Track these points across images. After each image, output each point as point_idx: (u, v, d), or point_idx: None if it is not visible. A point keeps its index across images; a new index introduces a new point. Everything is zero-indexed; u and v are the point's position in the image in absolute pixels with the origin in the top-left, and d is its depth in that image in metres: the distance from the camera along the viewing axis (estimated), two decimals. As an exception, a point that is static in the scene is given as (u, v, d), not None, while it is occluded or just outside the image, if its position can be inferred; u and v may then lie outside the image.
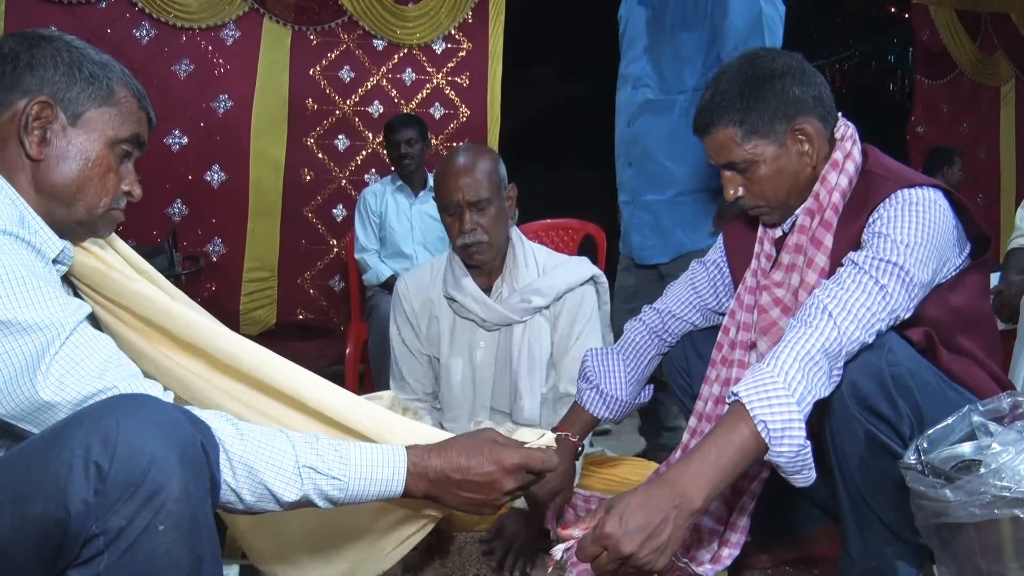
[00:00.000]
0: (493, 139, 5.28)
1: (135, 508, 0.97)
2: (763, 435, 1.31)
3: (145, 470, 0.98)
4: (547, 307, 2.30)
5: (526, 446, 1.32)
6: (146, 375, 1.19)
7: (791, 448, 1.32)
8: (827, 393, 1.42)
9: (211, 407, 1.24)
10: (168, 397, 1.17)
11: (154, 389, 1.15)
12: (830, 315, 1.43)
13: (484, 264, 2.29)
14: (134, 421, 1.00)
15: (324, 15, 5.08)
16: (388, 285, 3.82)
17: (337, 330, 5.00)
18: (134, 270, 1.38)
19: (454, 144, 5.23)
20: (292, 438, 1.19)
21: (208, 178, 4.93)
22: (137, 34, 4.74)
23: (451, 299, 2.33)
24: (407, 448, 1.25)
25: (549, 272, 2.33)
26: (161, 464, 0.99)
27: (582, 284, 2.33)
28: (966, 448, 1.38)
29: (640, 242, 2.86)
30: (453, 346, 2.36)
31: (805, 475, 1.37)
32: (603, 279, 2.41)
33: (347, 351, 3.98)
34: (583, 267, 2.37)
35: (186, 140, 4.86)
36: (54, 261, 1.23)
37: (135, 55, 4.61)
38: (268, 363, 1.34)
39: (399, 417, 1.38)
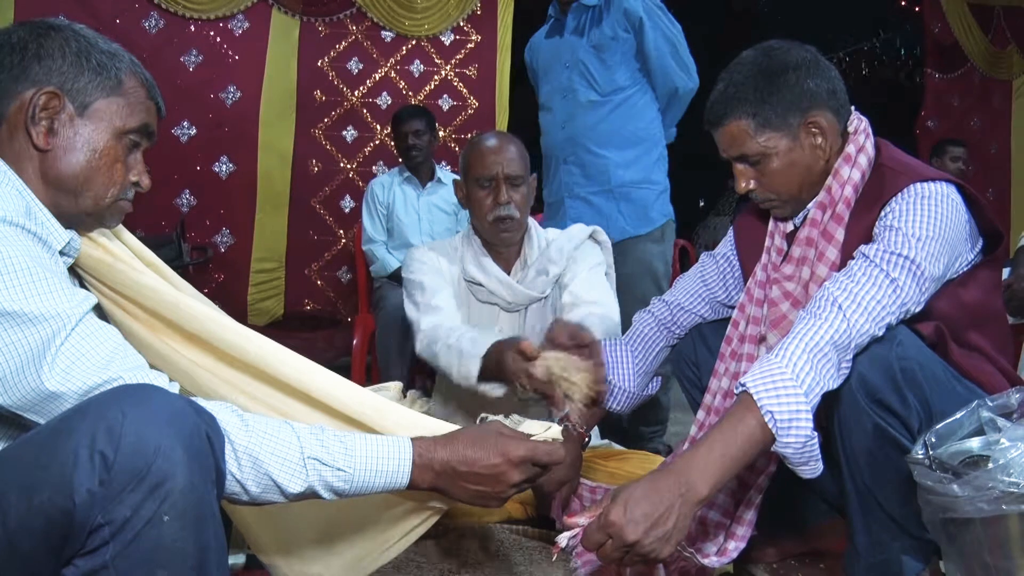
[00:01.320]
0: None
1: (140, 498, 0.98)
2: (770, 426, 1.31)
3: (150, 460, 0.98)
4: (561, 272, 2.33)
5: (532, 438, 1.32)
6: (152, 366, 1.19)
7: (798, 439, 1.31)
8: (835, 385, 1.42)
9: (217, 399, 1.24)
10: (174, 388, 1.17)
11: (160, 380, 1.15)
12: (840, 307, 1.43)
13: (510, 242, 2.33)
14: (140, 411, 1.00)
15: (332, 6, 5.08)
16: (396, 276, 3.82)
17: (344, 321, 5.01)
18: (141, 261, 1.38)
19: (463, 136, 5.23)
20: (297, 429, 1.19)
21: (216, 169, 4.94)
22: (146, 24, 4.74)
23: (473, 282, 2.35)
24: (413, 440, 1.25)
25: (552, 241, 2.38)
26: (166, 454, 0.99)
27: (585, 241, 2.39)
28: (974, 443, 1.38)
29: None
30: None
31: (812, 466, 1.36)
32: (603, 235, 2.46)
33: (354, 342, 3.98)
34: (582, 228, 2.43)
35: (194, 131, 4.87)
36: (60, 252, 1.23)
37: (144, 45, 4.61)
38: (274, 355, 1.34)
39: (405, 409, 1.38)
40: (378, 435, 1.26)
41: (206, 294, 1.47)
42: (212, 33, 4.88)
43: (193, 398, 1.14)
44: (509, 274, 2.36)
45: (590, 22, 3.02)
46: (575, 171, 3.02)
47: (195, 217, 4.88)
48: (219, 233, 4.95)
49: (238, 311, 4.73)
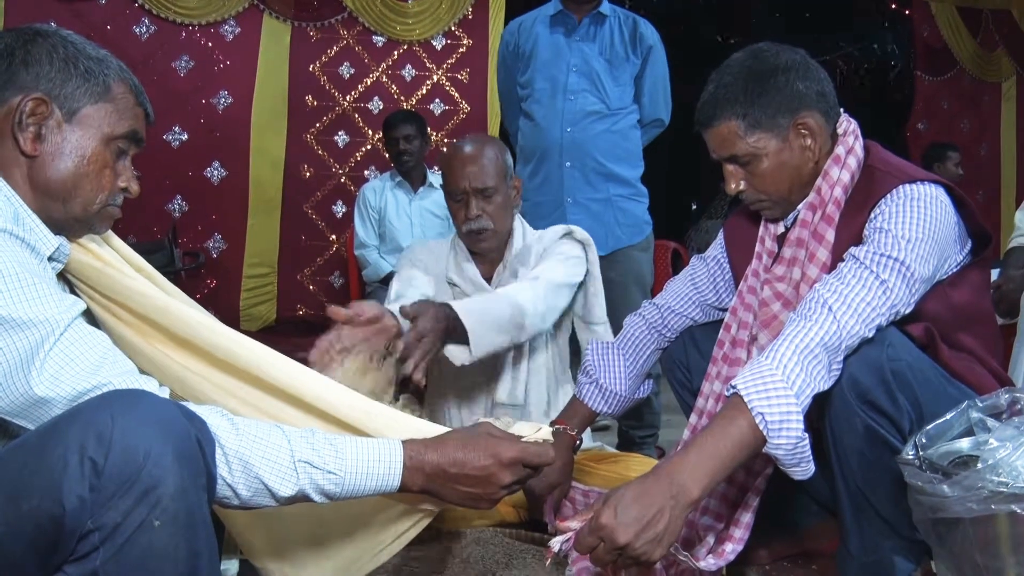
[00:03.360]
0: (493, 135, 5.28)
1: (130, 504, 0.97)
2: (761, 427, 1.31)
3: (140, 466, 0.98)
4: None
5: (523, 440, 1.32)
6: (142, 372, 1.19)
7: (789, 440, 1.32)
8: (826, 387, 1.42)
9: (207, 403, 1.24)
10: (164, 393, 1.17)
11: (149, 385, 1.15)
12: (830, 309, 1.43)
13: (488, 251, 2.31)
14: (129, 417, 0.99)
15: (324, 11, 5.09)
16: (387, 281, 3.82)
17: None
18: (131, 267, 1.38)
19: (454, 140, 5.24)
20: (288, 433, 1.19)
21: (208, 174, 4.94)
22: (137, 30, 4.75)
23: (452, 284, 2.35)
24: (403, 442, 1.25)
25: (531, 245, 2.36)
26: (156, 460, 0.99)
27: (559, 239, 2.34)
28: (964, 444, 1.38)
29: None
30: None
31: (803, 468, 1.37)
32: (583, 234, 2.39)
33: (347, 347, 3.97)
34: (556, 229, 2.39)
35: (186, 136, 4.87)
36: (50, 258, 1.23)
37: (135, 51, 4.62)
38: (264, 359, 1.33)
39: (396, 412, 1.38)
40: (369, 438, 1.26)
41: (198, 300, 1.47)
42: (203, 39, 4.89)
43: (183, 403, 1.14)
44: (492, 278, 2.35)
45: (601, 33, 3.04)
46: (578, 176, 3.03)
47: (187, 223, 4.88)
48: (211, 238, 4.95)
49: (231, 316, 4.73)
